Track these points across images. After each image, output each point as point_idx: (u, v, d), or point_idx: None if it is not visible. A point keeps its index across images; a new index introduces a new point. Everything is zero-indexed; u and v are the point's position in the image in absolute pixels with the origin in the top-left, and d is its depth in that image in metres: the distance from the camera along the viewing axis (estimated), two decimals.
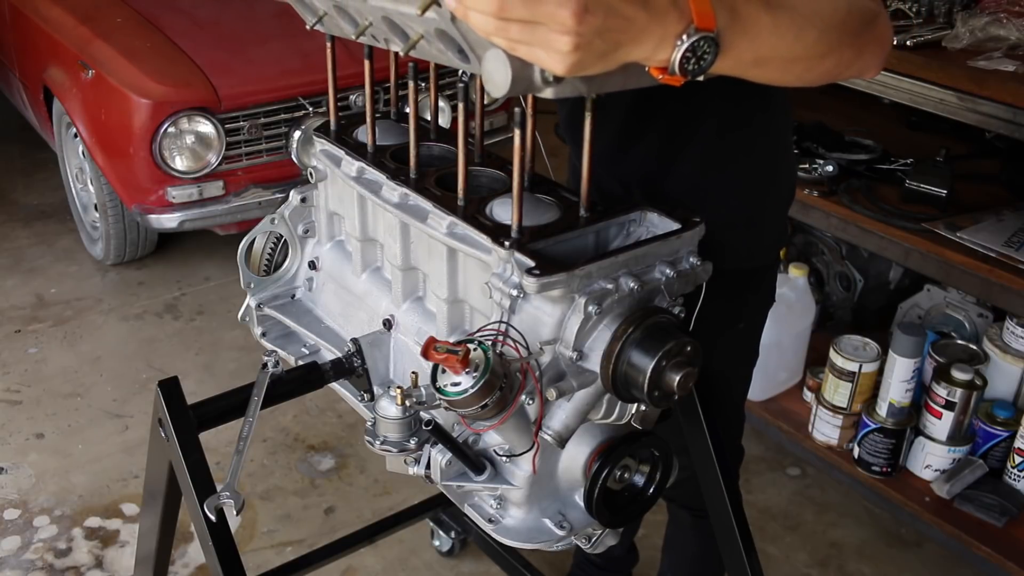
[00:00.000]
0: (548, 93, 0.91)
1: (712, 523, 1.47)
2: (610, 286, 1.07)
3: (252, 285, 1.51)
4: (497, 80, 0.88)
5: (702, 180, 1.37)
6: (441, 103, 3.24)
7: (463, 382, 1.01)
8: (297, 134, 1.46)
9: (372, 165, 1.32)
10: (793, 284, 2.55)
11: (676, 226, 1.16)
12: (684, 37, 0.86)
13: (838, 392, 2.42)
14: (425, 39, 1.02)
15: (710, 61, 0.89)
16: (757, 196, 1.43)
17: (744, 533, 1.44)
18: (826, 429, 2.48)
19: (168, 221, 3.23)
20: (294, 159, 1.48)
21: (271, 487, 2.63)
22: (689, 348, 1.09)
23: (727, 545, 1.45)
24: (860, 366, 2.36)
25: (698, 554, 1.81)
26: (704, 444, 1.41)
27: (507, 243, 1.10)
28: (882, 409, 2.33)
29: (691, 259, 1.16)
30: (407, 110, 1.32)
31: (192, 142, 3.15)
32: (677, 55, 0.87)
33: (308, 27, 1.30)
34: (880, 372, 2.36)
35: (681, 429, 1.45)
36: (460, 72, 1.18)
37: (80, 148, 3.55)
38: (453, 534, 2.34)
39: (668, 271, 1.13)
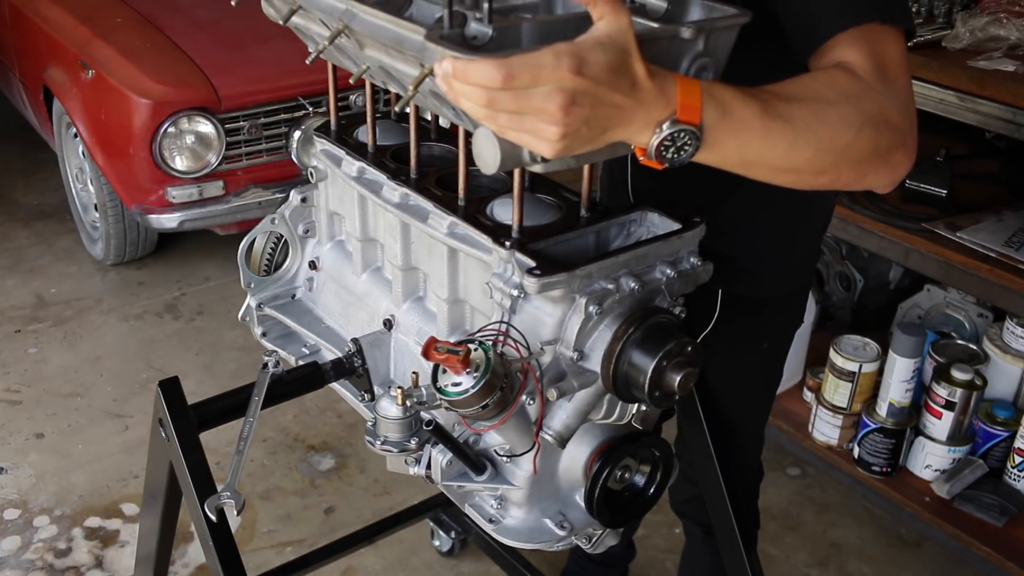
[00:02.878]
0: (537, 168, 0.94)
1: (712, 523, 1.47)
2: (611, 286, 1.07)
3: (252, 285, 1.51)
4: (487, 159, 0.90)
5: (751, 211, 1.35)
6: None
7: (464, 382, 1.01)
8: (297, 134, 1.46)
9: (373, 165, 1.32)
10: None
11: (677, 226, 1.16)
12: (664, 126, 0.86)
13: (838, 392, 2.41)
14: (421, 93, 1.03)
15: (690, 153, 0.89)
16: (796, 229, 1.41)
17: (745, 534, 1.44)
18: (826, 429, 2.48)
19: (168, 221, 3.23)
20: (294, 159, 1.48)
21: (271, 487, 2.63)
22: (689, 348, 1.09)
23: (727, 545, 1.45)
24: (860, 366, 2.36)
25: (710, 570, 1.80)
26: (704, 444, 1.41)
27: (508, 243, 1.10)
28: (882, 409, 2.33)
29: (692, 259, 1.16)
30: (407, 110, 1.32)
31: (192, 142, 3.15)
32: (655, 141, 0.87)
33: (308, 61, 1.31)
34: (880, 372, 2.35)
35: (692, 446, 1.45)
36: None
37: (80, 148, 3.55)
38: (453, 534, 2.34)
39: (669, 271, 1.13)
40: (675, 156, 0.88)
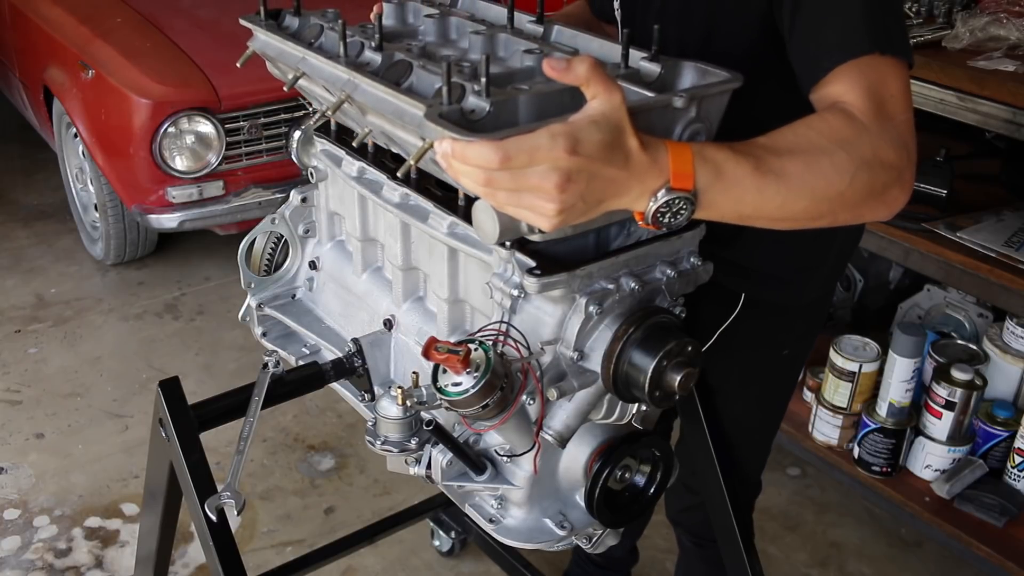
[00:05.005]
0: (536, 238, 0.98)
1: (712, 523, 1.47)
2: (611, 286, 1.08)
3: (252, 285, 1.51)
4: (487, 231, 0.94)
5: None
6: None
7: (464, 382, 1.01)
8: (297, 134, 1.46)
9: (373, 165, 1.32)
10: None
11: None
12: (660, 194, 0.89)
13: (838, 392, 2.42)
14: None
15: (686, 216, 0.91)
16: (827, 244, 1.41)
17: (745, 535, 1.44)
18: (826, 429, 2.48)
19: (168, 221, 3.23)
20: (294, 159, 1.48)
21: (271, 487, 2.63)
22: (690, 348, 1.09)
23: (727, 546, 1.45)
24: (860, 366, 2.36)
25: None
26: (704, 443, 1.41)
27: (508, 243, 1.10)
28: (882, 409, 2.33)
29: (692, 259, 1.16)
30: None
31: (192, 142, 3.15)
32: (652, 208, 0.89)
33: (312, 123, 1.33)
34: (880, 372, 2.35)
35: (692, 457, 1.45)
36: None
37: (80, 148, 3.55)
38: (453, 534, 2.34)
39: (669, 271, 1.13)
40: (672, 220, 0.91)
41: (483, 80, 0.93)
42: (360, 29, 1.24)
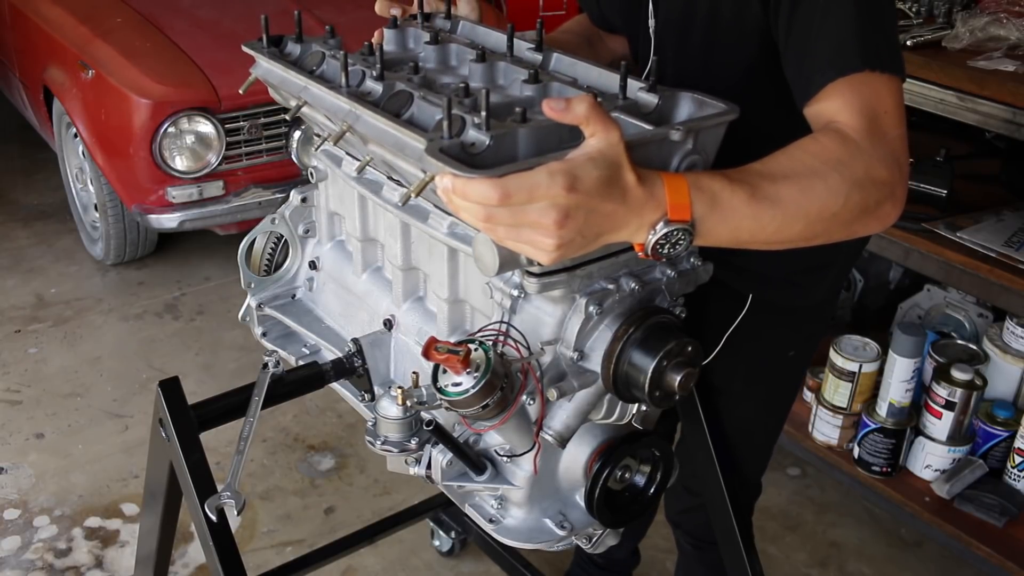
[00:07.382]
0: (535, 270, 1.01)
1: (712, 523, 1.47)
2: (611, 286, 1.08)
3: (252, 285, 1.51)
4: (486, 263, 0.95)
5: None
6: None
7: (464, 382, 1.01)
8: (297, 134, 1.46)
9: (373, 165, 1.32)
10: None
11: None
12: (658, 227, 0.90)
13: (838, 392, 2.42)
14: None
15: (685, 247, 0.93)
16: (837, 245, 1.41)
17: (745, 535, 1.44)
18: (826, 429, 2.48)
19: (168, 221, 3.23)
20: (294, 159, 1.48)
21: (271, 487, 2.63)
22: (690, 348, 1.09)
23: (727, 546, 1.45)
24: (860, 366, 2.36)
25: None
26: (704, 444, 1.41)
27: None
28: (882, 409, 2.33)
29: (692, 259, 1.16)
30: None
31: (192, 142, 3.15)
32: (651, 240, 0.91)
33: (315, 150, 1.33)
34: (880, 372, 2.36)
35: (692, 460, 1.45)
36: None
37: (80, 148, 3.56)
38: (453, 534, 2.34)
39: (669, 271, 1.13)
40: (671, 251, 0.92)
41: (483, 114, 0.94)
42: (361, 57, 1.24)
